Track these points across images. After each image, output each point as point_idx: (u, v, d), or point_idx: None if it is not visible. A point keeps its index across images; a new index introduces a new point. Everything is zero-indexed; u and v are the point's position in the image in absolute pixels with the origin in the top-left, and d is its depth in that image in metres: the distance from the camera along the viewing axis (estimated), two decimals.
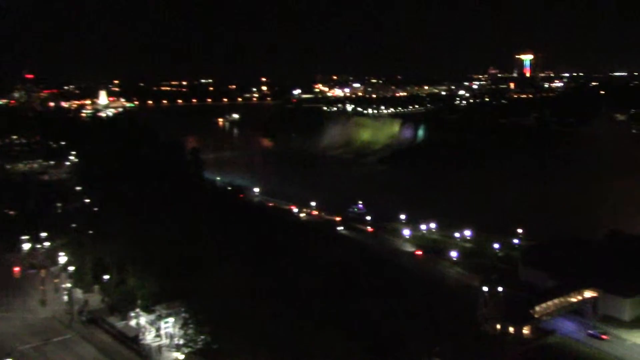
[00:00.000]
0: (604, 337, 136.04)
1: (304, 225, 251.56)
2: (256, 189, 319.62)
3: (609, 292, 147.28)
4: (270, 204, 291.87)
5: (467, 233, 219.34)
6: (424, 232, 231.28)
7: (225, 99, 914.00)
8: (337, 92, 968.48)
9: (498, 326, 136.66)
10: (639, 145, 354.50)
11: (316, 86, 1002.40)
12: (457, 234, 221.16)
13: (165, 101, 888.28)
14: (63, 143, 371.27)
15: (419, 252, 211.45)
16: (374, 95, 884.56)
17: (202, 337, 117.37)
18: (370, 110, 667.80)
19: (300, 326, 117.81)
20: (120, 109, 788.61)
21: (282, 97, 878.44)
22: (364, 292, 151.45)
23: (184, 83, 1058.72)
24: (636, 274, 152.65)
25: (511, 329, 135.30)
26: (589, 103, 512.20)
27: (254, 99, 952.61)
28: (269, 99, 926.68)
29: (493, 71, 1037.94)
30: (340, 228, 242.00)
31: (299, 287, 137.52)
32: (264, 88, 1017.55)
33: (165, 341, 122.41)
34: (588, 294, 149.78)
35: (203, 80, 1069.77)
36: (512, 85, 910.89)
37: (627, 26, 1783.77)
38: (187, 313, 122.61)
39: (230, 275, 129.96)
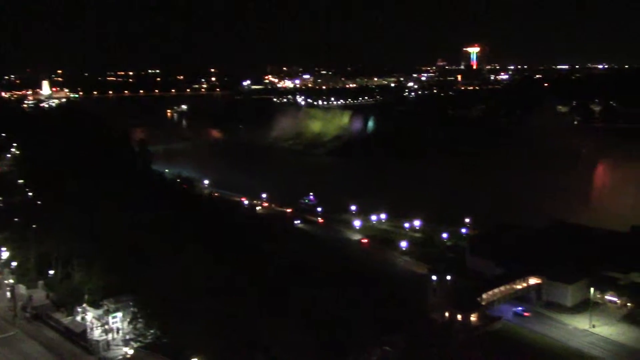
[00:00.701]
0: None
1: (257, 217, 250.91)
2: (206, 181, 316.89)
3: (552, 279, 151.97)
4: (220, 196, 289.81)
5: (417, 223, 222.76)
6: (374, 222, 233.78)
7: (173, 90, 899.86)
8: (287, 83, 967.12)
9: (446, 314, 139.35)
10: (580, 136, 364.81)
11: (266, 77, 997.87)
12: (406, 224, 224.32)
13: (111, 92, 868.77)
14: (4, 135, 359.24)
15: (365, 240, 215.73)
16: (324, 87, 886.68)
17: (152, 331, 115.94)
18: (320, 102, 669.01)
19: (254, 317, 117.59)
20: (64, 100, 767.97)
21: (232, 88, 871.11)
22: (315, 283, 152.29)
23: (131, 73, 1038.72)
24: (578, 261, 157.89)
25: (459, 317, 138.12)
26: (534, 95, 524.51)
27: (203, 90, 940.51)
28: (218, 90, 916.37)
29: (441, 63, 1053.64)
30: (297, 222, 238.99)
31: (252, 279, 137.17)
32: (213, 79, 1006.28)
33: (113, 336, 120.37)
34: (532, 281, 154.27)
35: (150, 71, 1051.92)
36: (459, 77, 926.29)
37: (569, 20, 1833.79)
38: (135, 307, 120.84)
39: (181, 268, 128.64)
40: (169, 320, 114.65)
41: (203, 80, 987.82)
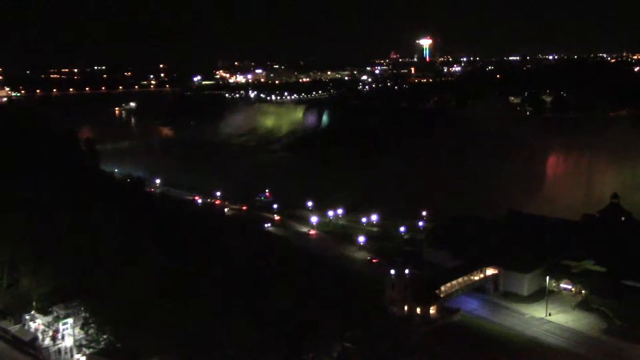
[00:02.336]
0: None
1: (214, 216, 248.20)
2: (158, 180, 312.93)
3: (509, 269, 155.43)
4: (173, 195, 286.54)
5: (374, 218, 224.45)
6: (332, 218, 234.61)
7: (120, 87, 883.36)
8: (239, 78, 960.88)
9: (405, 307, 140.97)
10: (532, 127, 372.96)
11: (217, 72, 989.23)
12: (364, 219, 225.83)
13: (55, 90, 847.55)
14: None
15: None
16: (277, 81, 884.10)
17: (105, 336, 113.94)
18: (273, 97, 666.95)
19: (211, 319, 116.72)
20: (5, 99, 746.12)
21: (182, 84, 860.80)
22: (274, 280, 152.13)
23: (75, 70, 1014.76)
24: (533, 251, 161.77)
25: (418, 310, 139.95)
26: (486, 87, 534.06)
27: (152, 86, 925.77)
28: (167, 86, 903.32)
29: (394, 56, 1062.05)
30: (268, 225, 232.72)
31: (209, 279, 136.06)
32: (162, 75, 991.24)
33: (64, 343, 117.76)
34: (489, 271, 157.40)
35: (96, 67, 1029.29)
36: (412, 69, 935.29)
37: (520, 12, 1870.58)
38: (87, 313, 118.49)
39: (134, 270, 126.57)
40: (122, 325, 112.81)
41: (152, 76, 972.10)
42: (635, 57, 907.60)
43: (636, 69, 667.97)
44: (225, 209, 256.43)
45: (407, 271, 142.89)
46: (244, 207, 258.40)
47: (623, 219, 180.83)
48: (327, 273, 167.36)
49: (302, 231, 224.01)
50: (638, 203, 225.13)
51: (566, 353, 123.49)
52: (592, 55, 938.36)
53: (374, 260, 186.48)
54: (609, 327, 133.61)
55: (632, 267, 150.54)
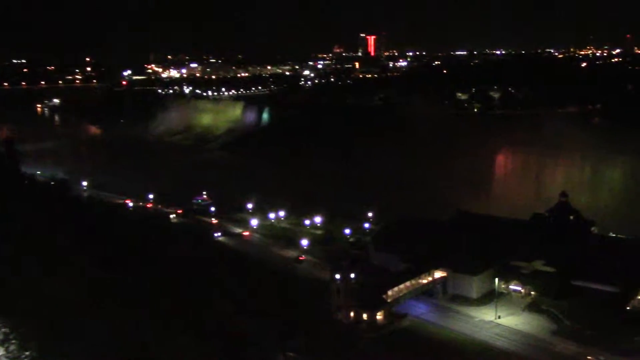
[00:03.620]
0: None
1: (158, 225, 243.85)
2: (84, 183, 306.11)
3: (457, 271, 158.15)
4: (102, 198, 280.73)
5: (318, 219, 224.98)
6: (273, 221, 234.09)
7: (43, 82, 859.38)
8: (173, 73, 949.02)
9: (352, 314, 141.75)
10: (480, 124, 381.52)
11: (149, 67, 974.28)
12: (307, 221, 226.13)
13: None
14: None
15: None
16: (214, 77, 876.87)
17: (27, 353, 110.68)
18: (210, 93, 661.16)
19: (146, 329, 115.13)
20: None
21: (111, 79, 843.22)
22: (214, 288, 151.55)
23: None
24: (481, 252, 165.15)
25: (365, 316, 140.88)
26: (433, 82, 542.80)
27: (78, 81, 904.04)
28: (95, 81, 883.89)
29: (338, 50, 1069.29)
30: (217, 234, 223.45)
31: (144, 288, 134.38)
32: (89, 69, 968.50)
33: None
34: (438, 274, 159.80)
35: (15, 61, 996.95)
36: (357, 64, 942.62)
37: (467, 6, 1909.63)
38: (7, 328, 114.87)
39: (60, 281, 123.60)
40: (48, 340, 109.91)
41: (77, 70, 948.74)
42: (582, 53, 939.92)
43: (583, 65, 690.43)
44: (171, 215, 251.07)
45: (352, 276, 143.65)
46: (179, 211, 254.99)
47: (572, 217, 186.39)
48: (268, 279, 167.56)
49: (237, 232, 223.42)
50: (586, 201, 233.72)
51: (516, 356, 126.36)
52: (539, 51, 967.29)
53: (300, 258, 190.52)
54: (558, 328, 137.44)
55: (582, 266, 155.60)
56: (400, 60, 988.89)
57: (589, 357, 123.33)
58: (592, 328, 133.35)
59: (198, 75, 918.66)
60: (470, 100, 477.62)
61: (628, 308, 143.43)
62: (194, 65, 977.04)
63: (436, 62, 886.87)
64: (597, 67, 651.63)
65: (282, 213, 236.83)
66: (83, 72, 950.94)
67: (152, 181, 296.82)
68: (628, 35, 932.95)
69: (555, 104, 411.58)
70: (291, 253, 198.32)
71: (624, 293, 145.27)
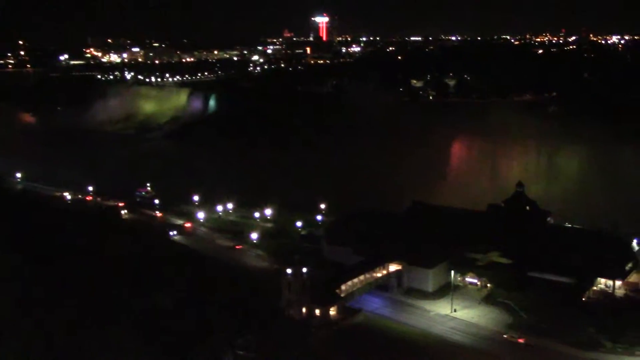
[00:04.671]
0: None
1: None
2: (18, 175, 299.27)
3: (413, 264, 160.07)
4: (37, 192, 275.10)
5: (268, 212, 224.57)
6: (221, 213, 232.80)
7: None
8: (114, 57, 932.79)
9: (304, 310, 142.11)
10: (435, 113, 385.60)
11: (88, 51, 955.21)
12: (256, 214, 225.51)
13: None
14: None
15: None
16: (157, 62, 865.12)
17: None
18: (153, 79, 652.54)
19: (87, 328, 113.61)
20: None
21: (46, 64, 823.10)
22: (158, 285, 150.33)
23: None
24: (437, 244, 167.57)
25: (317, 312, 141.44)
26: (387, 69, 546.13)
27: (10, 66, 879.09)
28: (28, 66, 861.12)
29: (288, 34, 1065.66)
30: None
31: (86, 286, 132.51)
32: (22, 53, 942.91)
33: None
34: (393, 267, 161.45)
35: None
36: (308, 49, 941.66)
37: None
38: None
39: None
40: None
41: (9, 54, 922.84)
42: (539, 39, 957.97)
43: (539, 52, 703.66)
44: (123, 211, 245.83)
45: (304, 270, 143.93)
46: (121, 204, 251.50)
47: (528, 208, 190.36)
48: (216, 274, 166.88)
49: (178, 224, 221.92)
50: (542, 191, 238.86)
51: (472, 350, 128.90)
52: (495, 37, 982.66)
53: (237, 247, 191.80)
54: (514, 321, 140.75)
55: (538, 258, 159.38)
56: (354, 46, 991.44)
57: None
58: (548, 320, 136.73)
59: (140, 60, 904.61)
60: (425, 87, 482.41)
61: (583, 299, 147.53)
62: (135, 49, 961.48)
63: (390, 48, 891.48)
64: (553, 55, 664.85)
65: (230, 205, 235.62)
66: (16, 56, 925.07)
67: (92, 173, 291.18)
68: (584, 28, 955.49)
69: (512, 91, 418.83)
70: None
71: (579, 284, 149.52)
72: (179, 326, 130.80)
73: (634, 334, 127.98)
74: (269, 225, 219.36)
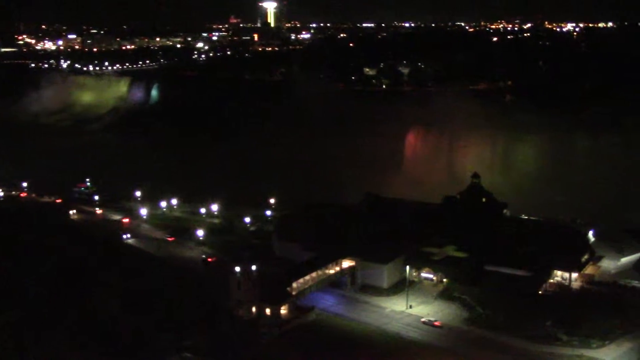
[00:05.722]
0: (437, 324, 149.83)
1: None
2: None
3: (367, 260, 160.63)
4: None
5: (214, 207, 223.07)
6: (165, 209, 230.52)
7: None
8: (48, 45, 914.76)
9: (253, 309, 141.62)
10: (389, 102, 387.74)
11: (20, 38, 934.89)
12: (202, 209, 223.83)
13: None
14: None
15: (126, 220, 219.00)
16: (95, 49, 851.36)
17: None
18: (91, 67, 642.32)
19: (27, 332, 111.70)
20: None
21: None
22: (98, 286, 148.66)
23: None
24: (392, 239, 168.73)
25: (268, 311, 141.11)
26: (338, 57, 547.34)
27: None
28: None
29: (234, 21, 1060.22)
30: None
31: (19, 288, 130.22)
32: None
33: None
34: (346, 263, 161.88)
35: None
36: (256, 36, 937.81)
37: None
38: None
39: None
40: None
41: None
42: (494, 26, 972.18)
43: (494, 39, 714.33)
44: (71, 211, 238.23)
45: (254, 268, 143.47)
46: (59, 200, 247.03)
47: (484, 200, 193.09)
48: (161, 273, 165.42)
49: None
50: (499, 182, 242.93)
51: (428, 347, 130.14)
52: (450, 24, 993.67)
53: (209, 260, 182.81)
54: (471, 316, 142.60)
55: (494, 250, 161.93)
56: (303, 33, 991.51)
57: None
58: (505, 314, 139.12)
59: (77, 47, 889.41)
60: (378, 75, 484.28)
61: (540, 292, 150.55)
62: (72, 36, 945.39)
63: (341, 35, 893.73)
64: (508, 42, 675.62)
65: (174, 201, 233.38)
66: None
67: (26, 168, 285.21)
68: (539, 16, 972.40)
69: (467, 80, 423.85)
70: (186, 244, 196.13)
71: (536, 277, 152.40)
72: (121, 330, 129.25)
73: (590, 326, 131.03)
74: (216, 221, 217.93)
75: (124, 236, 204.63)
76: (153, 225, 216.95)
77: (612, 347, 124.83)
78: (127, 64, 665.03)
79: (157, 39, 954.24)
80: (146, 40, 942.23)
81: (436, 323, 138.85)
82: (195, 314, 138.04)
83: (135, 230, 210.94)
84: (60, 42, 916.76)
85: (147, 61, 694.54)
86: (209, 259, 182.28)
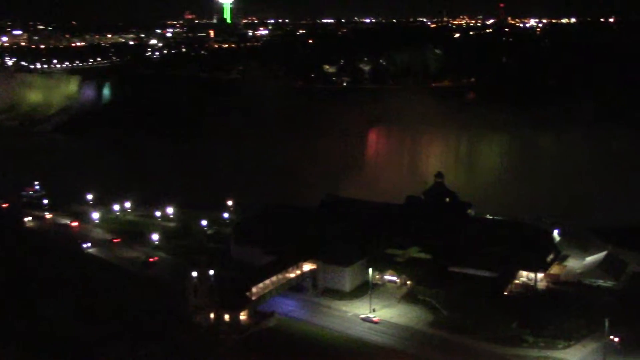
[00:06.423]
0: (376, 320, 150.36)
1: None
2: None
3: (328, 263, 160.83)
4: None
5: (170, 210, 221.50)
6: (118, 213, 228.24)
7: None
8: None
9: (212, 315, 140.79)
10: (350, 101, 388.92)
11: None
12: (157, 213, 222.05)
13: None
14: None
15: (75, 224, 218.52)
16: (43, 46, 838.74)
17: None
18: (39, 65, 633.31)
19: None
20: None
21: None
22: (46, 293, 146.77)
23: None
24: (354, 241, 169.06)
25: (226, 317, 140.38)
26: (298, 54, 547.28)
27: None
28: None
29: (189, 16, 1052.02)
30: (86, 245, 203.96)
31: None
32: None
33: None
34: (307, 267, 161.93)
35: None
36: (212, 33, 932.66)
37: None
38: None
39: None
40: None
41: None
42: (456, 22, 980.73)
43: (456, 36, 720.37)
44: (26, 218, 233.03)
45: (211, 272, 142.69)
46: (5, 205, 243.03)
47: (448, 199, 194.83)
48: (113, 280, 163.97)
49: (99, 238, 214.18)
50: (463, 181, 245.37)
51: (392, 351, 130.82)
52: (411, 20, 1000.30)
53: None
54: (436, 319, 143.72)
55: (459, 252, 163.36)
56: (261, 29, 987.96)
57: None
58: (470, 316, 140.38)
59: (23, 44, 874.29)
60: (338, 73, 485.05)
61: (505, 293, 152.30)
62: (17, 32, 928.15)
63: (300, 31, 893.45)
64: (471, 38, 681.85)
65: (128, 204, 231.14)
66: None
67: None
68: (502, 5, 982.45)
69: (429, 77, 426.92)
70: (141, 249, 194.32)
71: (501, 278, 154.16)
72: (74, 340, 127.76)
73: (555, 327, 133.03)
74: (172, 224, 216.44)
75: (84, 245, 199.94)
76: (105, 230, 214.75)
77: (578, 348, 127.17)
78: (77, 62, 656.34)
79: (109, 36, 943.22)
80: (97, 37, 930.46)
81: (375, 320, 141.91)
82: (150, 321, 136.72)
83: (87, 235, 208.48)
84: (5, 39, 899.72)
85: (98, 59, 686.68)
86: (150, 260, 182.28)
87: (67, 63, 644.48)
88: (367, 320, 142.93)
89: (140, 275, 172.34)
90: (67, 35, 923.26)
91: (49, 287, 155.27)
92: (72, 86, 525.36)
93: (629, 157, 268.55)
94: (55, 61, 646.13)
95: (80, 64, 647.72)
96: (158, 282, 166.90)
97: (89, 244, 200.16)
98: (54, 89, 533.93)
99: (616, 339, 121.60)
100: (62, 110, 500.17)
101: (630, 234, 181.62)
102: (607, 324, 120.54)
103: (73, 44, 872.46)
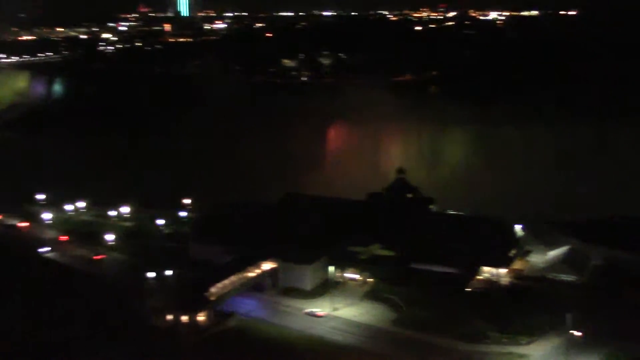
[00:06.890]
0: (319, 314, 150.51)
1: None
2: None
3: (288, 261, 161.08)
4: None
5: (125, 210, 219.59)
6: (72, 213, 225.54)
7: None
8: None
9: (170, 317, 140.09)
10: (309, 96, 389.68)
11: None
12: (113, 212, 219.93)
13: None
14: None
15: (24, 224, 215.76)
16: None
17: None
18: None
19: None
20: None
21: None
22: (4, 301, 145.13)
23: None
24: (314, 238, 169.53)
25: (185, 318, 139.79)
26: (256, 48, 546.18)
27: None
28: None
29: (144, 10, 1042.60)
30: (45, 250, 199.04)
31: None
32: None
33: None
34: (267, 265, 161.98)
35: None
36: (167, 26, 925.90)
37: None
38: None
39: None
40: None
41: None
42: (417, 15, 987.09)
43: (418, 29, 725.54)
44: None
45: (169, 273, 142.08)
46: None
47: (410, 195, 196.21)
48: (68, 282, 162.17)
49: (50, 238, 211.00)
50: (425, 177, 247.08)
51: (355, 350, 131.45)
52: (371, 12, 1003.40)
53: (61, 239, 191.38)
54: (399, 316, 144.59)
55: (421, 248, 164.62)
56: (218, 22, 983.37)
57: None
58: (433, 313, 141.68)
59: None
60: (298, 67, 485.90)
61: (469, 289, 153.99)
62: None
63: (258, 25, 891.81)
64: (432, 31, 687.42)
65: (82, 204, 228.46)
66: None
67: None
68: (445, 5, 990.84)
69: (390, 71, 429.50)
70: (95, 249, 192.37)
71: (464, 274, 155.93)
72: (29, 346, 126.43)
73: (518, 322, 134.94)
74: (128, 224, 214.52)
75: (42, 249, 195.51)
76: (58, 231, 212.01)
77: (541, 343, 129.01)
78: (26, 56, 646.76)
79: (59, 29, 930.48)
80: (46, 30, 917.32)
81: (319, 314, 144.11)
82: (107, 323, 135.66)
83: (38, 236, 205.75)
84: None
85: (49, 53, 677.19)
86: (94, 257, 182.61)
87: (15, 57, 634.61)
88: (311, 314, 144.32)
89: (91, 275, 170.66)
90: (15, 29, 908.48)
91: (5, 293, 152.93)
92: (21, 82, 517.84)
93: (594, 152, 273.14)
94: (2, 56, 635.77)
95: (30, 59, 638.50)
96: (110, 283, 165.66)
97: (49, 248, 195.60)
98: (1, 85, 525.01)
99: (579, 334, 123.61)
100: (11, 107, 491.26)
101: (594, 229, 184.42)
102: (569, 318, 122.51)
103: (21, 38, 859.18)
